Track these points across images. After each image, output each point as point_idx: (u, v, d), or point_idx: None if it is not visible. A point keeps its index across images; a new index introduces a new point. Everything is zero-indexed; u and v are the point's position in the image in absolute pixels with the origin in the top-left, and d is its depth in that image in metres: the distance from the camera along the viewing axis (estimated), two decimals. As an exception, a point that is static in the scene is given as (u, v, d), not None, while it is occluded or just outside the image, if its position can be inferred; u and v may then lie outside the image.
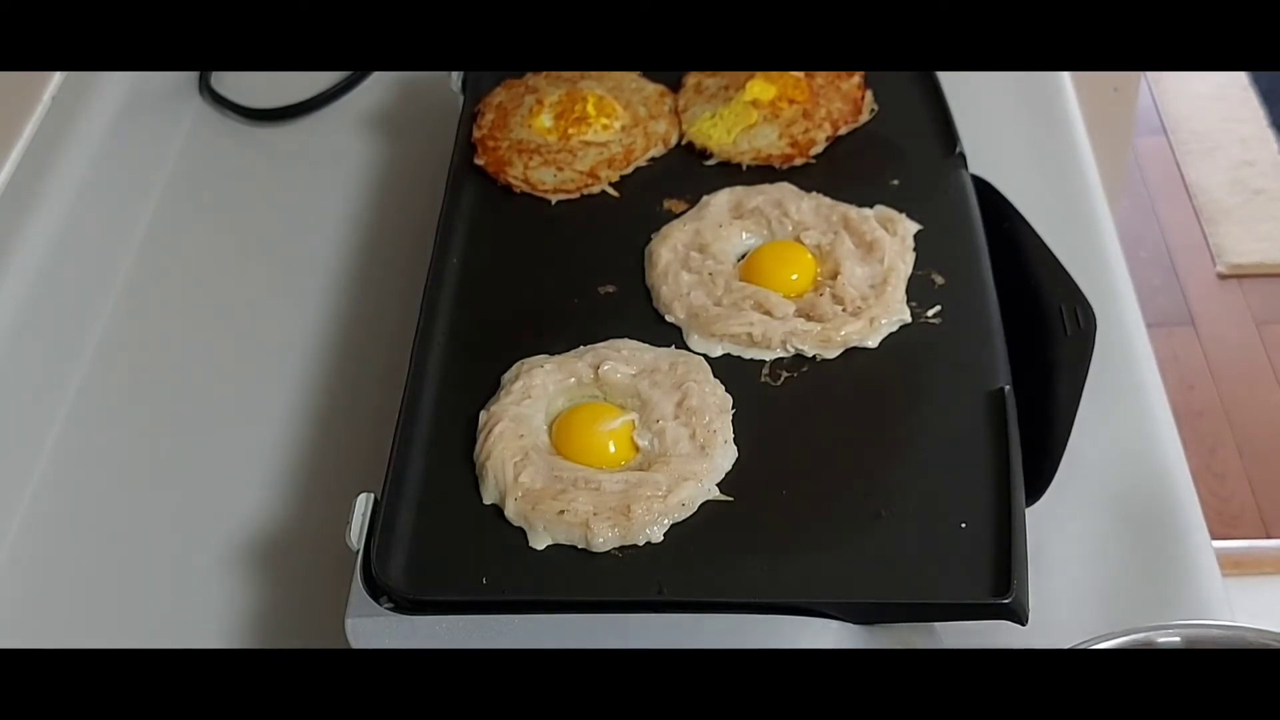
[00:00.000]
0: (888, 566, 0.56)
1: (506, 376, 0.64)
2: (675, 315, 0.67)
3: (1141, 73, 1.85)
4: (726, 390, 0.63)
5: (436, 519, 0.59)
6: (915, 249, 0.69)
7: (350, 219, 0.86)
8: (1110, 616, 0.54)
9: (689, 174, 0.75)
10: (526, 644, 0.54)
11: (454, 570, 0.57)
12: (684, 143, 0.77)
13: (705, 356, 0.65)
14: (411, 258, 0.76)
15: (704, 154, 0.76)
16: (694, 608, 0.55)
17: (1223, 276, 2.05)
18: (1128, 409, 0.71)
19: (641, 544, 0.57)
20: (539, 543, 0.57)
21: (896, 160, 0.75)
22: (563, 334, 0.66)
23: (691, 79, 0.81)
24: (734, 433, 0.61)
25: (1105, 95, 1.63)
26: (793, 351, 0.65)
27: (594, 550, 0.57)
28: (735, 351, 0.65)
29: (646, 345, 0.65)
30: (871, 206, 0.71)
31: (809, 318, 0.65)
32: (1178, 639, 0.51)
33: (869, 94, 0.79)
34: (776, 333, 0.65)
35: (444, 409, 0.63)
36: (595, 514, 0.57)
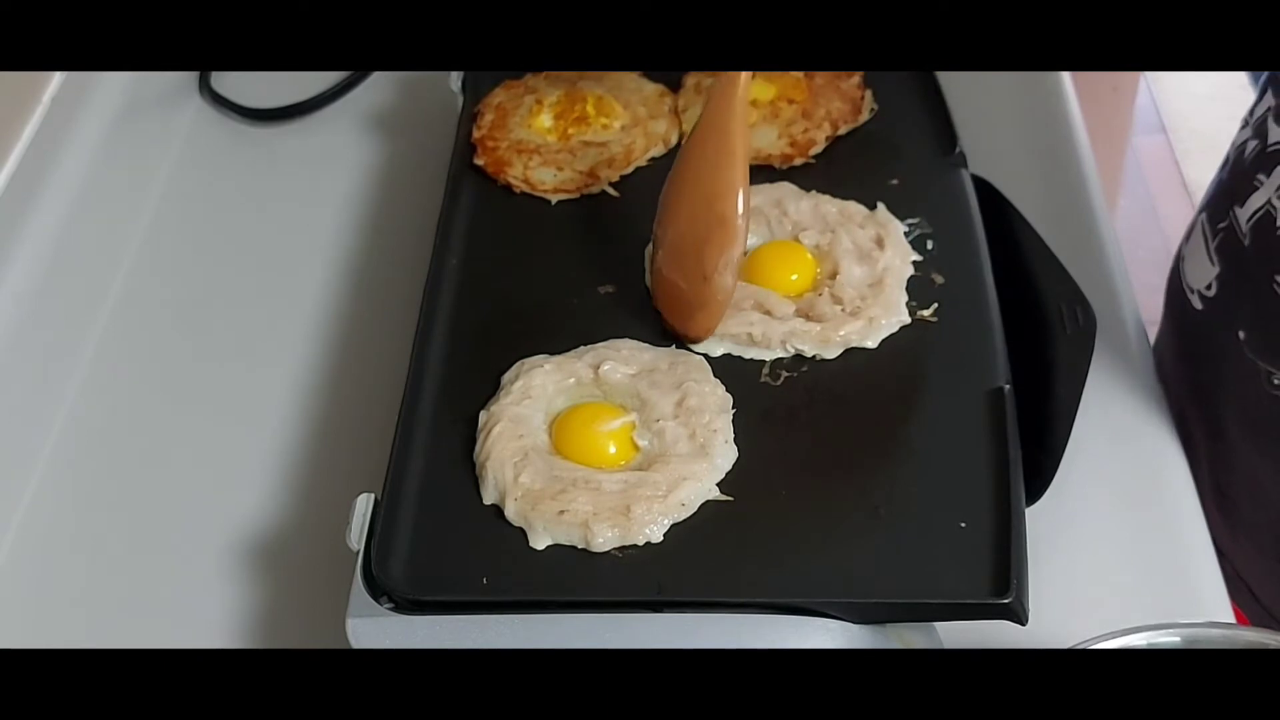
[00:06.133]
0: (887, 566, 0.56)
1: (506, 376, 0.64)
2: (675, 315, 0.67)
3: (1141, 73, 1.85)
4: (726, 390, 0.63)
5: (436, 519, 0.59)
6: (915, 248, 0.69)
7: (350, 219, 0.86)
8: (1110, 616, 0.54)
9: (689, 174, 0.75)
10: (526, 644, 0.54)
11: (454, 570, 0.57)
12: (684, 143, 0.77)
13: (705, 356, 0.65)
14: (411, 258, 0.76)
15: (704, 154, 0.76)
16: (694, 608, 0.55)
17: (1222, 276, 2.04)
18: (1128, 409, 0.71)
19: (641, 544, 0.57)
20: (539, 543, 0.57)
21: (896, 160, 0.75)
22: (563, 334, 0.66)
23: (691, 79, 0.81)
24: (734, 433, 0.61)
25: (1105, 95, 1.63)
26: (792, 351, 0.65)
27: (594, 550, 0.57)
28: (735, 351, 0.65)
29: (646, 345, 0.65)
30: (872, 206, 0.71)
31: (809, 318, 0.65)
32: (1178, 639, 0.51)
33: (869, 94, 0.79)
34: (776, 333, 0.65)
35: (444, 409, 0.63)
36: (595, 514, 0.57)
